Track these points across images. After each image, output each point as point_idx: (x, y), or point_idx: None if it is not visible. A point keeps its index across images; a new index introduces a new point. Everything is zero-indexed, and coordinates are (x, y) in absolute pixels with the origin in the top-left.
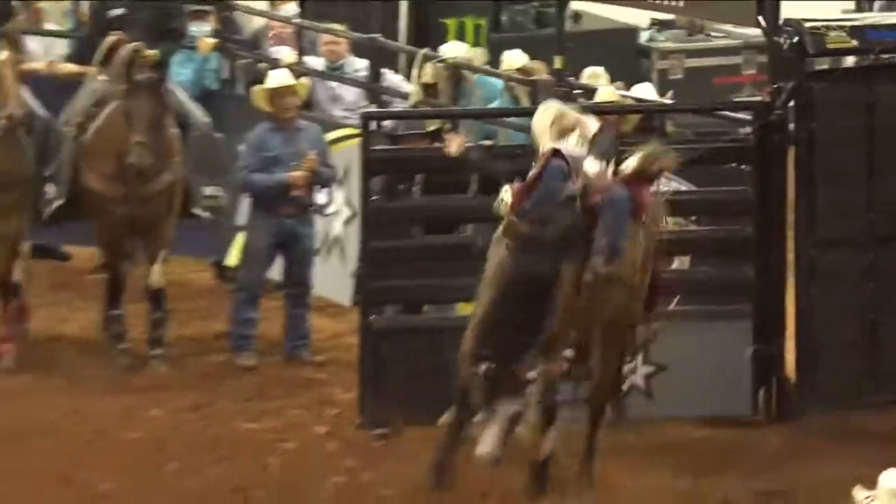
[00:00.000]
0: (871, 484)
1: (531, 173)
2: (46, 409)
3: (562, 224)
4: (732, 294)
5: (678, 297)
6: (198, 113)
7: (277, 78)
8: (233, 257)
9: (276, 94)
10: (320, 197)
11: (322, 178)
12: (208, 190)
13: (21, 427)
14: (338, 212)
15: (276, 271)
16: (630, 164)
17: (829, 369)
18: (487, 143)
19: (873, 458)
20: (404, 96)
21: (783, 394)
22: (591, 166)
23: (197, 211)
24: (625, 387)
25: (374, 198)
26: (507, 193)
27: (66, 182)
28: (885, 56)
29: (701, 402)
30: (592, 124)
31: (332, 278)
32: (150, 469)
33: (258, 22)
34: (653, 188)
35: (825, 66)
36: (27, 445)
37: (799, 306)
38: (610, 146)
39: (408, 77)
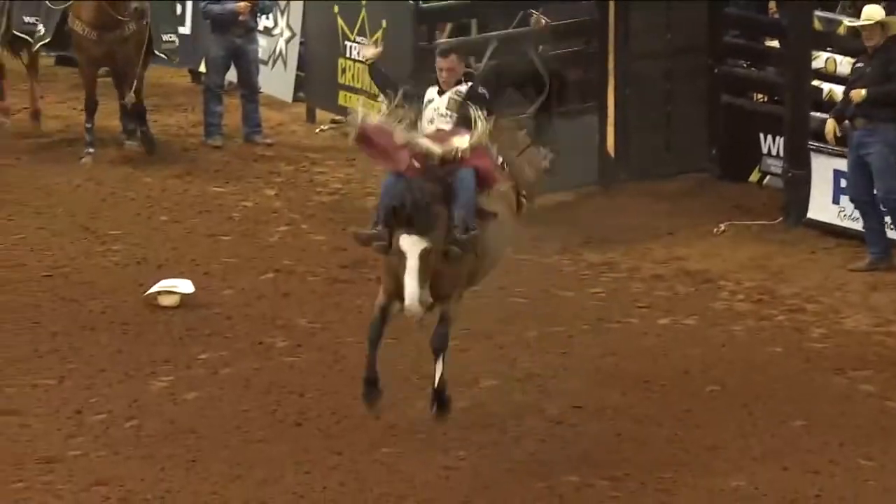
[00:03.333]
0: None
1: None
2: (71, 175)
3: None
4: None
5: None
6: None
7: None
8: (202, 66)
9: None
10: (266, 21)
11: (262, 7)
12: (166, 37)
13: (52, 188)
14: (281, 33)
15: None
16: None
17: (638, 147)
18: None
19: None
20: None
21: (607, 166)
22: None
23: (157, 52)
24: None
25: None
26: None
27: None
28: None
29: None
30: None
31: (278, 81)
32: (147, 220)
33: None
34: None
35: None
36: (58, 203)
37: (617, 102)
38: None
39: None
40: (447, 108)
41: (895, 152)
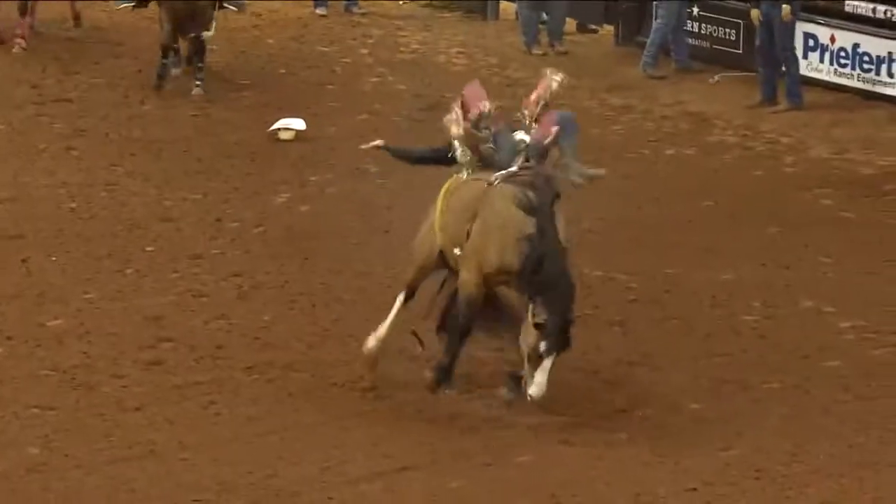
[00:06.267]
0: None
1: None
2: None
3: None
4: None
5: None
6: None
7: None
8: None
9: None
10: None
11: None
12: None
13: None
14: None
15: None
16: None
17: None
18: None
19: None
20: None
21: (628, 33)
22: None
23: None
24: None
25: None
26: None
27: None
28: None
29: None
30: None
31: None
32: (269, 72)
33: None
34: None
35: None
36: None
37: None
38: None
39: None
40: None
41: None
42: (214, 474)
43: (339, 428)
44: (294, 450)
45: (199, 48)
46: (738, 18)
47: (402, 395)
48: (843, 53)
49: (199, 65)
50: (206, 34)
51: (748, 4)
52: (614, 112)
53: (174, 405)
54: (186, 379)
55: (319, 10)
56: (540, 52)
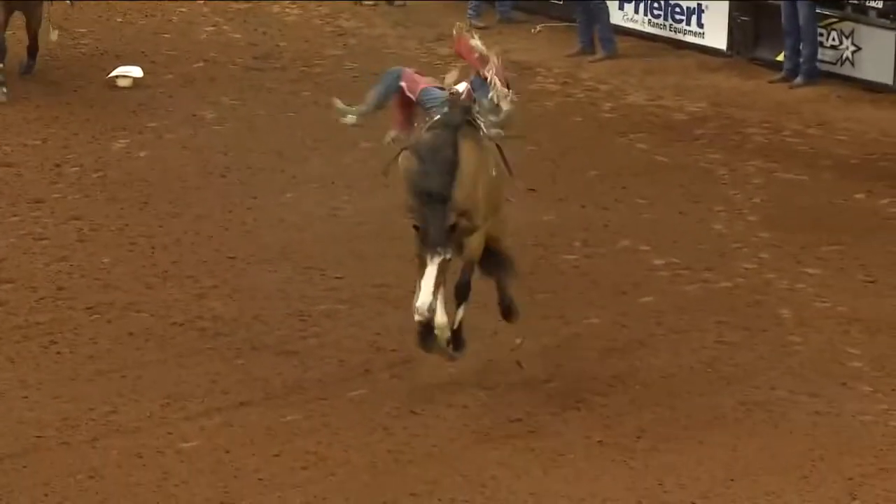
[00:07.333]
0: None
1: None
2: None
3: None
4: None
5: None
6: None
7: None
8: None
9: None
10: None
11: None
12: None
13: None
14: None
15: None
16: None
17: None
18: None
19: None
20: None
21: None
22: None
23: None
24: None
25: None
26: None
27: None
28: None
29: None
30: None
31: None
32: (106, 21)
33: None
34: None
35: None
36: None
37: None
38: None
39: None
40: None
41: None
42: (56, 411)
43: (178, 366)
44: (134, 387)
45: (31, 49)
46: None
47: (241, 333)
48: (656, 5)
49: (31, 62)
50: (42, 25)
51: None
52: (442, 61)
53: (15, 344)
54: (27, 319)
55: None
56: (370, 4)
